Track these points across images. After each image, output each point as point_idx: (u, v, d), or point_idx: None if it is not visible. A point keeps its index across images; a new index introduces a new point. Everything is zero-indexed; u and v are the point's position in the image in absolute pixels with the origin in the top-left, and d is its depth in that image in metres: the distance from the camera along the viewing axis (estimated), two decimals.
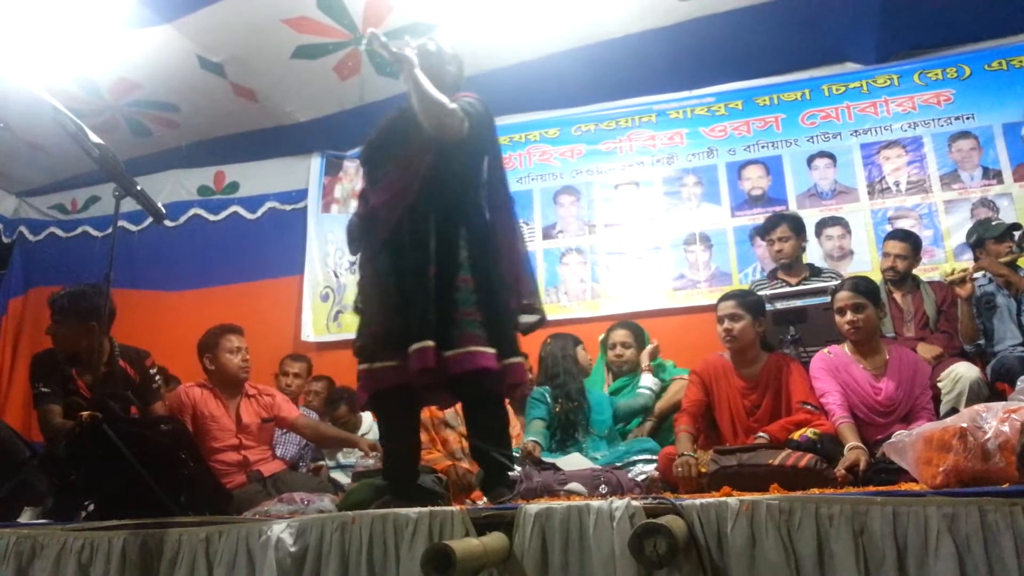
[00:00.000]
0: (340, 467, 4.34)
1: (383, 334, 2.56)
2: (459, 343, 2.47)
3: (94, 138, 2.93)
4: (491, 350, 2.50)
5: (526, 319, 2.72)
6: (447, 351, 2.47)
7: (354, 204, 5.85)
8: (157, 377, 3.62)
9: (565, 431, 3.49)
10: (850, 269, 4.70)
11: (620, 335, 4.08)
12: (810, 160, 5.13)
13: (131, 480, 2.48)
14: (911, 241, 4.03)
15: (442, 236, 2.59)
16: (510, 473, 2.68)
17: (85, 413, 2.62)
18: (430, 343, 2.45)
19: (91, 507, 2.78)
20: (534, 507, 2.03)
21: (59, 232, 6.35)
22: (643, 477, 3.09)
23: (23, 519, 3.14)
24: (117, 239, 3.05)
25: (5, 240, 6.29)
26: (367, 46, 2.93)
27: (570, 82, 5.21)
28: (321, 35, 4.82)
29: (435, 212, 2.62)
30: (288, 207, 5.99)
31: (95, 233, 6.16)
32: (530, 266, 2.83)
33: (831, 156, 5.10)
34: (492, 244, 2.67)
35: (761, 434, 2.95)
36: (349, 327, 5.50)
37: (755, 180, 5.20)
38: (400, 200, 2.66)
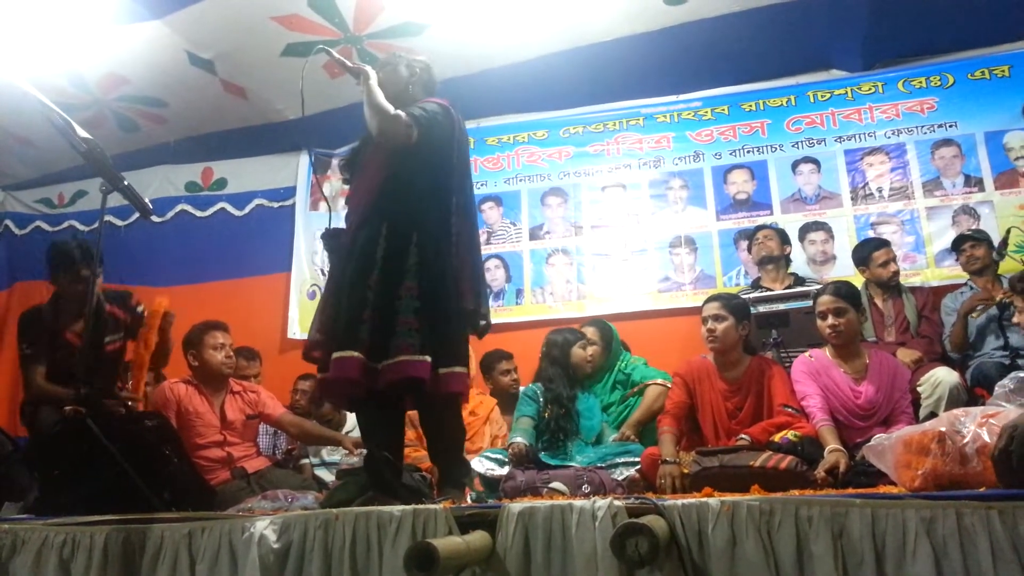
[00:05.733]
0: (325, 464, 4.35)
1: (321, 341, 2.61)
2: (393, 352, 2.48)
3: (81, 133, 2.91)
4: (423, 358, 2.48)
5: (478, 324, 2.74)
6: (384, 360, 2.48)
7: (342, 203, 5.91)
8: (141, 309, 3.65)
9: (553, 435, 3.48)
10: (833, 274, 4.74)
11: (586, 332, 3.97)
12: (795, 165, 5.18)
13: (115, 476, 2.48)
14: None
15: (392, 243, 2.60)
16: (463, 478, 2.71)
17: (69, 408, 2.62)
18: (354, 353, 2.45)
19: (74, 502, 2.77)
20: (517, 506, 2.04)
21: (45, 226, 6.29)
22: (625, 477, 3.11)
23: (4, 514, 3.12)
24: (104, 234, 3.04)
25: None
26: (334, 54, 2.93)
27: (559, 84, 5.23)
28: (311, 33, 4.82)
29: (388, 219, 2.64)
30: (276, 204, 5.98)
31: (81, 227, 6.11)
32: (480, 271, 2.82)
33: (815, 161, 5.15)
34: (443, 251, 2.65)
35: (743, 436, 2.98)
36: None
37: (740, 184, 5.24)
38: (359, 208, 2.71)
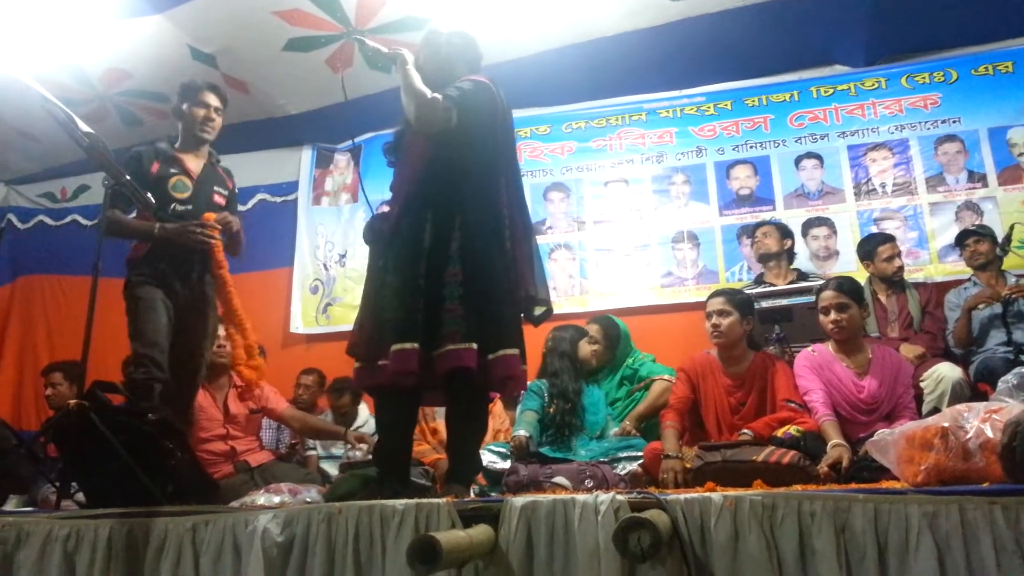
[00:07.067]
0: (331, 457, 4.36)
1: (372, 332, 2.54)
2: (441, 342, 2.43)
3: (84, 127, 2.91)
4: (470, 345, 2.43)
5: (536, 310, 2.68)
6: (434, 350, 2.44)
7: (345, 197, 5.91)
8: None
9: (558, 429, 3.48)
10: (835, 269, 4.74)
11: (589, 330, 3.98)
12: (798, 161, 5.17)
13: (118, 469, 2.48)
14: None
15: (437, 229, 2.54)
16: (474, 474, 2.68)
17: (72, 402, 2.62)
18: (412, 345, 2.41)
19: (78, 495, 2.78)
20: (520, 500, 2.05)
21: (48, 220, 6.30)
22: (627, 471, 3.11)
23: (8, 507, 3.13)
24: (105, 228, 3.05)
25: None
26: (368, 43, 2.87)
27: (561, 80, 5.22)
28: (313, 28, 4.82)
29: (432, 205, 2.58)
30: (279, 199, 5.98)
31: (84, 222, 6.12)
32: (535, 255, 2.73)
33: (818, 157, 5.14)
34: (489, 233, 2.59)
35: (745, 431, 2.97)
36: (338, 320, 5.50)
37: (743, 180, 5.23)
38: (402, 194, 2.65)
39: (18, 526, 2.34)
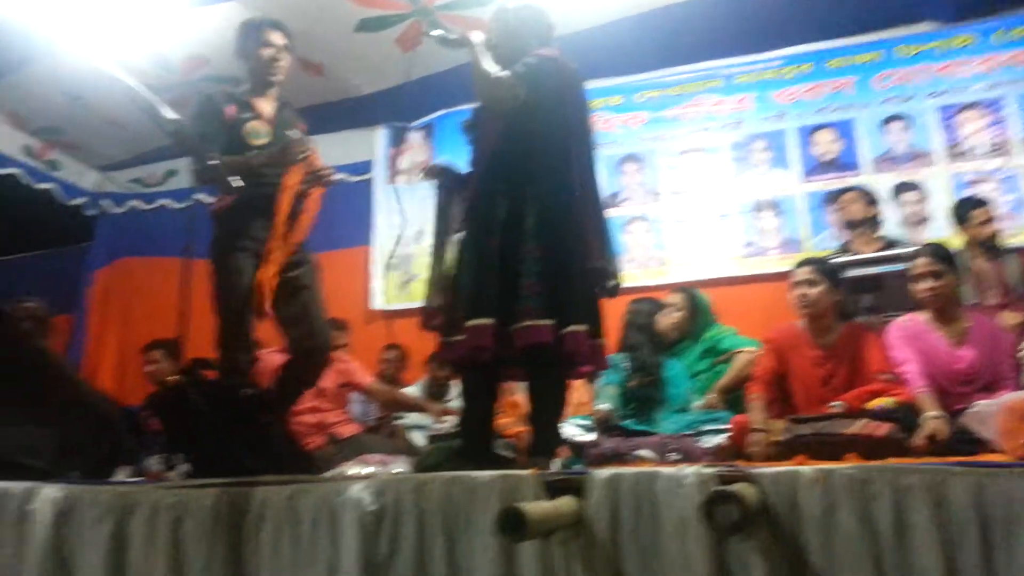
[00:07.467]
0: (419, 427, 4.44)
1: (448, 308, 2.60)
2: (518, 317, 2.46)
3: (170, 114, 3.00)
4: (547, 322, 2.45)
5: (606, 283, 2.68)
6: (511, 326, 2.46)
7: (420, 175, 5.97)
8: None
9: (641, 403, 3.47)
10: (927, 235, 4.54)
11: (671, 299, 3.97)
12: (884, 123, 4.96)
13: (217, 442, 2.60)
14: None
15: (511, 205, 2.57)
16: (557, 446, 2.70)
17: (171, 378, 2.75)
18: (487, 320, 2.44)
19: (180, 467, 2.92)
20: (604, 472, 2.05)
21: (140, 204, 6.52)
22: (713, 445, 3.08)
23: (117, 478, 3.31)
24: (195, 211, 3.13)
25: (90, 213, 6.52)
26: (432, 34, 2.87)
27: (634, 48, 5.11)
28: (383, 7, 4.86)
29: (506, 181, 2.61)
30: (355, 178, 6.07)
31: (174, 205, 6.31)
32: (605, 228, 2.74)
33: (906, 119, 4.91)
34: (564, 208, 2.60)
35: (836, 403, 2.90)
36: (417, 296, 5.57)
37: (826, 145, 5.05)
38: (478, 171, 2.69)
39: (128, 495, 2.46)
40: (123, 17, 4.71)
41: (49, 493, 2.48)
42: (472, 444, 2.64)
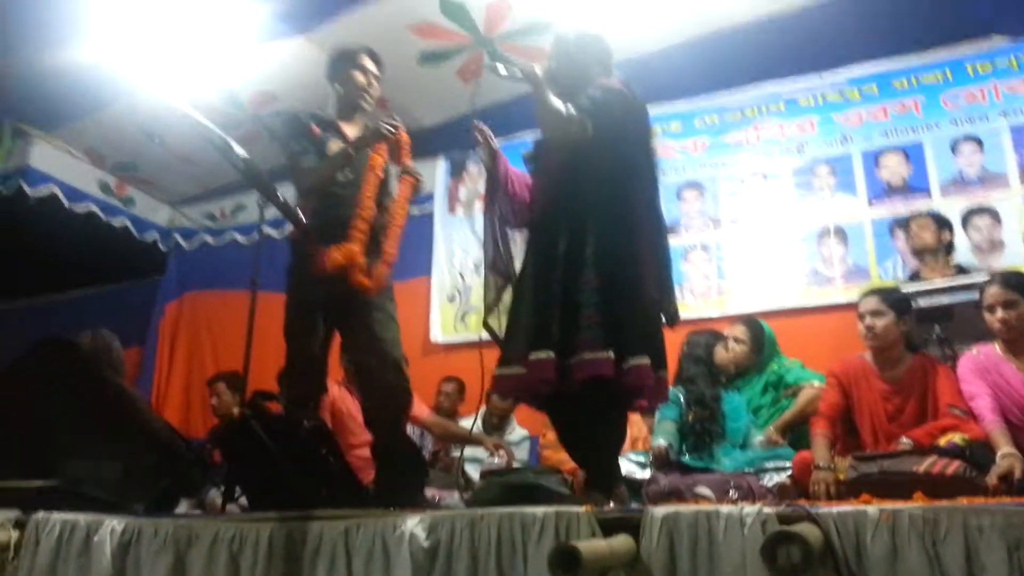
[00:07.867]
0: (473, 461, 4.44)
1: (511, 340, 2.59)
2: (578, 349, 2.43)
3: (239, 151, 3.10)
4: (607, 355, 2.41)
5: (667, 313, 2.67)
6: (570, 359, 2.44)
7: (478, 206, 6.03)
8: None
9: (698, 437, 3.40)
10: (1001, 262, 4.34)
11: (734, 331, 3.89)
12: (954, 145, 4.80)
13: (277, 475, 2.64)
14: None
15: (572, 236, 2.56)
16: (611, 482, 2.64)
17: (235, 411, 2.81)
18: (549, 354, 2.43)
19: (241, 499, 2.98)
20: (661, 510, 2.02)
21: (209, 239, 6.74)
22: (775, 483, 3.00)
23: (179, 511, 3.39)
24: (262, 245, 3.21)
25: (162, 248, 6.77)
26: (500, 70, 2.87)
27: (692, 72, 5.09)
28: (445, 39, 4.96)
29: (568, 213, 2.60)
30: (416, 210, 6.15)
31: (242, 240, 6.51)
32: (666, 258, 2.74)
33: (978, 140, 4.74)
34: (624, 239, 2.58)
35: (904, 440, 2.80)
36: (475, 328, 5.59)
37: (894, 168, 4.91)
38: (539, 202, 2.71)
39: (189, 528, 2.53)
40: (194, 55, 4.92)
41: (113, 524, 2.56)
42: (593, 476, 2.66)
